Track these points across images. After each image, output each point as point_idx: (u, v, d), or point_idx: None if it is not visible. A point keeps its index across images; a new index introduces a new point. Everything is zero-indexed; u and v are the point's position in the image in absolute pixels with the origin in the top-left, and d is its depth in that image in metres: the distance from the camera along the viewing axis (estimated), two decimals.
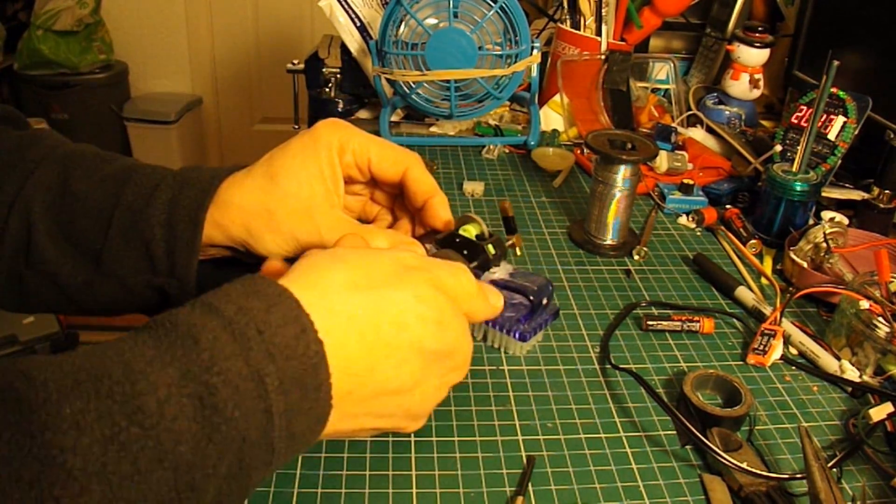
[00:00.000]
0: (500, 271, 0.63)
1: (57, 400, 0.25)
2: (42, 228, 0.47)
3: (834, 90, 0.83)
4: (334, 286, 0.34)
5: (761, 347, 0.62)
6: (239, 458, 0.29)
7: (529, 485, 0.49)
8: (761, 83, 1.05)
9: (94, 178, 0.48)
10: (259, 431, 0.29)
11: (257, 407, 0.29)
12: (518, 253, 0.62)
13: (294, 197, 0.47)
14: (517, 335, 0.61)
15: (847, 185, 0.88)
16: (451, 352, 0.38)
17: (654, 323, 0.65)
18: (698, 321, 0.65)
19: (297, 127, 1.31)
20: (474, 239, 0.59)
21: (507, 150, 1.04)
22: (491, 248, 0.58)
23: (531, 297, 0.61)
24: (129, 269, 0.47)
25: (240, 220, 0.47)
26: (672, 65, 1.13)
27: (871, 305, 0.61)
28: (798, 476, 0.48)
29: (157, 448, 0.26)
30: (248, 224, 0.47)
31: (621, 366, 0.60)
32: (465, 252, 0.58)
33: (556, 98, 1.09)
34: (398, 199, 0.55)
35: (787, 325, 0.65)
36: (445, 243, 0.61)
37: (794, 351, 0.64)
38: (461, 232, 0.60)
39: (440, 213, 0.52)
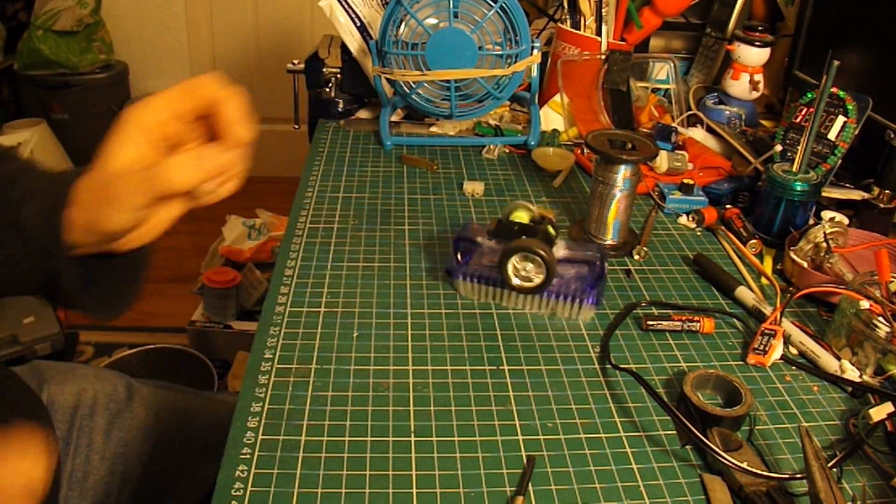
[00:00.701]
0: (559, 248, 0.65)
1: None
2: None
3: (834, 90, 0.83)
4: None
5: (761, 347, 0.62)
6: None
7: (529, 485, 0.49)
8: (761, 83, 1.05)
9: None
10: None
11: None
12: None
13: (112, 169, 0.49)
14: (592, 301, 0.65)
15: (847, 185, 0.88)
16: None
17: (655, 323, 0.65)
18: (698, 321, 0.65)
19: (297, 127, 1.31)
20: (529, 223, 0.63)
21: (507, 150, 1.04)
22: (551, 229, 0.62)
23: (598, 264, 0.66)
24: (12, 258, 0.52)
25: (91, 203, 0.50)
26: (672, 65, 1.13)
27: (871, 305, 0.61)
28: (798, 476, 0.48)
29: None
30: (96, 202, 0.50)
31: (621, 366, 0.60)
32: (524, 237, 0.63)
33: (557, 98, 1.09)
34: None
35: (788, 325, 0.65)
36: (502, 231, 0.65)
37: (794, 351, 0.64)
38: (513, 219, 0.64)
39: (228, 118, 0.50)
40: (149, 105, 0.50)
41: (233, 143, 0.50)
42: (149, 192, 0.48)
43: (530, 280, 0.64)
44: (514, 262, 0.63)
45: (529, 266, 0.63)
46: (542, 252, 0.61)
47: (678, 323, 0.65)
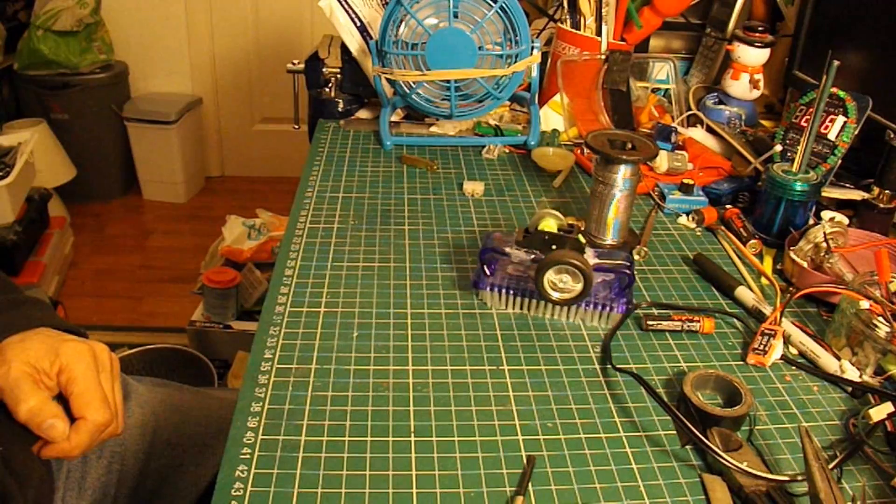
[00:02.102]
0: (589, 255, 0.66)
1: None
2: None
3: (834, 90, 0.83)
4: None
5: (761, 347, 0.62)
6: None
7: (529, 485, 0.49)
8: (761, 83, 1.05)
9: None
10: None
11: None
12: None
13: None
14: (622, 308, 0.65)
15: (847, 185, 0.88)
16: None
17: (655, 323, 0.65)
18: (698, 321, 0.65)
19: (297, 127, 1.31)
20: (557, 231, 0.63)
21: (507, 150, 1.04)
22: (581, 237, 0.62)
23: (628, 271, 0.65)
24: None
25: None
26: (672, 65, 1.13)
27: (871, 305, 0.61)
28: (799, 478, 0.48)
29: None
30: None
31: (622, 367, 0.60)
32: (554, 246, 0.62)
33: (556, 98, 1.09)
34: None
35: (787, 325, 0.65)
36: (532, 242, 0.64)
37: (794, 351, 0.64)
38: (542, 227, 0.63)
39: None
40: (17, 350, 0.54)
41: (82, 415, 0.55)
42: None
43: (568, 291, 0.63)
44: (550, 275, 0.63)
45: (566, 277, 0.62)
46: (580, 264, 0.61)
47: (678, 323, 0.65)
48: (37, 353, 0.54)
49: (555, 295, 0.63)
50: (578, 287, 0.62)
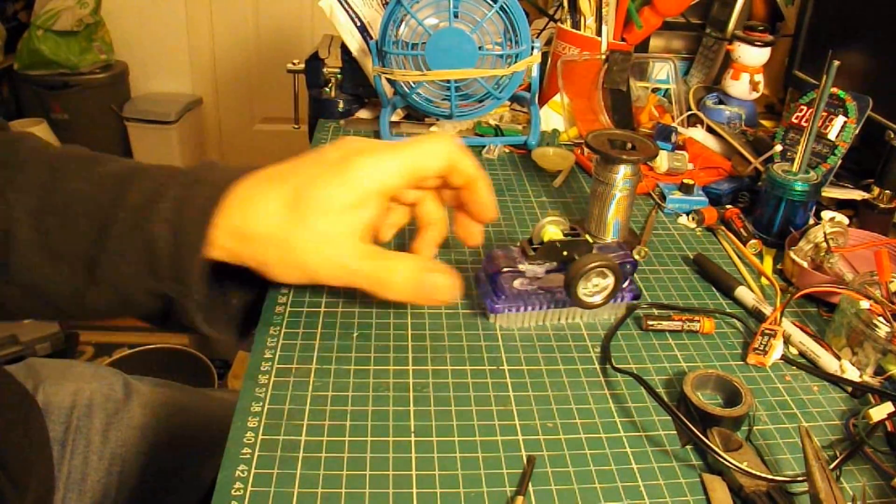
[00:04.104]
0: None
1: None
2: (26, 238, 0.43)
3: (834, 90, 0.83)
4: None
5: (762, 347, 0.62)
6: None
7: (529, 485, 0.49)
8: (761, 83, 1.05)
9: (91, 177, 0.45)
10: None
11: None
12: None
13: (320, 233, 0.45)
14: (631, 296, 0.66)
15: (847, 185, 0.88)
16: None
17: (655, 323, 0.65)
18: (698, 321, 0.65)
19: (297, 127, 1.31)
20: (565, 237, 0.63)
21: (507, 150, 1.04)
22: (588, 237, 0.62)
23: (632, 260, 0.65)
24: (127, 276, 0.45)
25: (253, 251, 0.45)
26: (672, 65, 1.13)
27: (871, 305, 0.61)
28: (800, 479, 0.48)
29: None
30: (262, 254, 0.45)
31: (623, 368, 0.60)
32: (566, 252, 0.62)
33: (557, 98, 1.09)
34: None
35: (788, 325, 0.65)
36: (546, 253, 0.64)
37: (794, 351, 0.64)
38: (551, 236, 0.63)
39: (482, 196, 0.51)
40: (385, 168, 0.46)
41: (480, 220, 0.51)
42: (354, 284, 0.45)
43: (601, 291, 0.63)
44: (581, 285, 0.62)
45: (594, 280, 0.62)
46: (609, 264, 0.61)
47: (678, 323, 0.65)
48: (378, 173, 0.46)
49: (594, 299, 0.63)
50: (609, 283, 0.62)
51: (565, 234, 0.64)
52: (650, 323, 0.65)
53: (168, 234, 0.44)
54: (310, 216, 0.45)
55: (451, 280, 0.52)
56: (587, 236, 0.63)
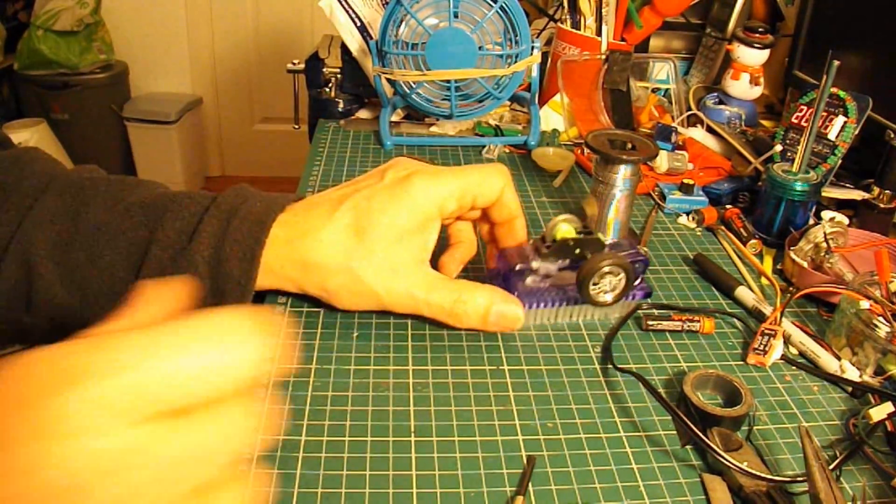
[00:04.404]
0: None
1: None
2: (48, 270, 0.42)
3: (834, 90, 0.83)
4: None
5: (762, 347, 0.62)
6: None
7: (529, 485, 0.49)
8: (761, 83, 1.05)
9: (116, 208, 0.43)
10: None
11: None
12: None
13: (382, 257, 0.44)
14: (642, 294, 0.66)
15: (847, 185, 0.88)
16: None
17: (655, 323, 0.65)
18: (698, 321, 0.65)
19: (297, 127, 1.31)
20: (578, 236, 0.63)
21: (507, 150, 1.04)
22: (601, 236, 0.62)
23: (642, 256, 0.65)
24: None
25: (318, 279, 0.44)
26: (672, 65, 1.13)
27: (871, 305, 0.61)
28: (800, 479, 0.48)
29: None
30: (326, 282, 0.44)
31: (623, 367, 0.60)
32: (578, 251, 0.62)
33: (557, 98, 1.09)
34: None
35: (788, 325, 0.65)
36: (558, 251, 0.64)
37: (794, 351, 0.64)
38: (564, 234, 0.63)
39: (518, 234, 0.52)
40: (443, 188, 0.46)
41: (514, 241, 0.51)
42: (423, 313, 0.44)
43: (613, 289, 0.63)
44: (592, 283, 0.62)
45: (607, 279, 0.62)
46: (621, 262, 0.61)
47: (678, 323, 0.65)
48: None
49: (606, 297, 0.63)
50: (621, 281, 0.62)
51: (578, 233, 0.64)
52: (650, 323, 0.65)
53: (208, 273, 0.43)
54: (375, 244, 0.45)
55: (519, 309, 0.52)
56: (599, 235, 0.64)
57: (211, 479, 0.22)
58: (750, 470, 0.48)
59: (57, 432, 0.18)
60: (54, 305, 0.42)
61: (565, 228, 0.64)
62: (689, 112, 1.06)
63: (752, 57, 1.02)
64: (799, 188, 0.77)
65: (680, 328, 0.65)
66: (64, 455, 0.18)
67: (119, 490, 0.20)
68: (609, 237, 0.78)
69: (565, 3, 1.09)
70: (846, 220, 0.80)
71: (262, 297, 0.65)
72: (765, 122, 1.11)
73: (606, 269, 0.61)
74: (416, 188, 0.45)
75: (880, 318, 0.60)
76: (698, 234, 0.84)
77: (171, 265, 0.43)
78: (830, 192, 0.86)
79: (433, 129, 1.08)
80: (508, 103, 1.13)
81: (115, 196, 0.45)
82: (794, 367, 0.62)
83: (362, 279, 0.43)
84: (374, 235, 0.44)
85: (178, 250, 0.43)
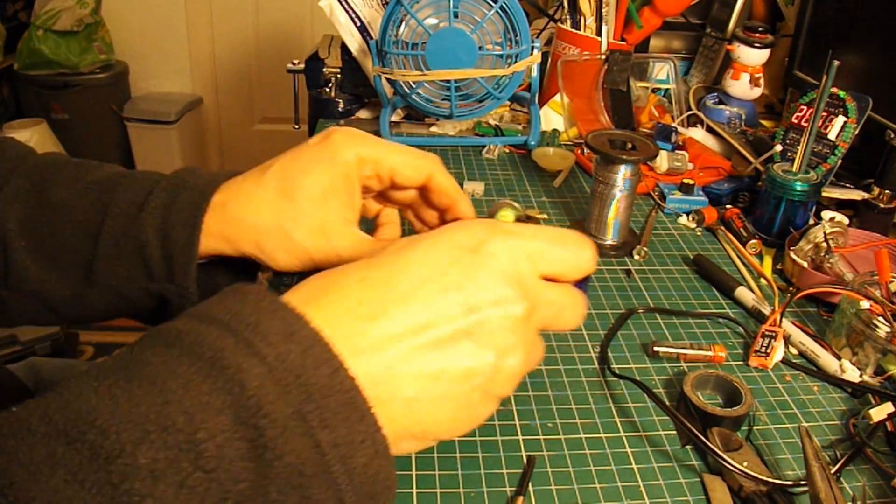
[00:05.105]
0: None
1: (131, 452, 0.27)
2: (20, 245, 0.46)
3: (834, 90, 0.83)
4: (357, 316, 0.33)
5: (763, 349, 0.62)
6: (302, 495, 0.30)
7: (529, 485, 0.49)
8: (761, 83, 1.05)
9: (76, 186, 0.47)
10: (315, 466, 0.30)
11: (306, 444, 0.30)
12: None
13: (310, 216, 0.46)
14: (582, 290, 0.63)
15: (847, 185, 0.88)
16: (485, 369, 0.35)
17: (664, 351, 0.62)
18: (710, 350, 0.62)
19: (297, 127, 1.31)
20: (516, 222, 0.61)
21: (507, 150, 1.04)
22: (541, 220, 0.61)
23: None
24: (122, 278, 0.46)
25: (252, 238, 0.46)
26: (672, 65, 1.13)
27: (871, 305, 0.61)
28: (802, 482, 0.48)
29: (220, 488, 0.28)
30: (260, 241, 0.46)
31: (621, 370, 0.60)
32: None
33: (557, 98, 1.09)
34: (417, 198, 0.54)
35: (788, 326, 0.65)
36: None
37: (794, 351, 0.64)
38: (501, 218, 0.62)
39: (466, 216, 0.52)
40: (362, 139, 0.47)
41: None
42: None
43: None
44: None
45: None
46: None
47: (688, 352, 0.62)
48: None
49: None
50: None
51: (517, 219, 0.63)
52: (656, 350, 0.62)
53: (156, 241, 0.45)
54: (302, 203, 0.46)
55: None
56: (539, 217, 0.62)
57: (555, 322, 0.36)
58: (750, 472, 0.48)
59: (496, 251, 0.34)
60: (28, 277, 0.46)
61: (507, 213, 0.64)
62: (689, 112, 1.06)
63: (752, 57, 1.02)
64: (799, 188, 0.77)
65: (693, 358, 0.61)
66: (504, 249, 0.34)
67: (529, 304, 0.33)
68: (609, 237, 0.78)
69: (565, 3, 1.09)
70: (846, 220, 0.80)
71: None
72: (765, 122, 1.11)
73: None
74: (336, 144, 0.47)
75: (880, 318, 0.60)
76: (698, 234, 0.84)
77: (122, 235, 0.46)
78: (830, 192, 0.86)
79: (433, 129, 1.08)
80: (508, 103, 1.13)
81: (76, 176, 0.48)
82: (794, 368, 0.62)
83: (294, 239, 0.45)
84: (300, 195, 0.46)
85: (129, 220, 0.46)
